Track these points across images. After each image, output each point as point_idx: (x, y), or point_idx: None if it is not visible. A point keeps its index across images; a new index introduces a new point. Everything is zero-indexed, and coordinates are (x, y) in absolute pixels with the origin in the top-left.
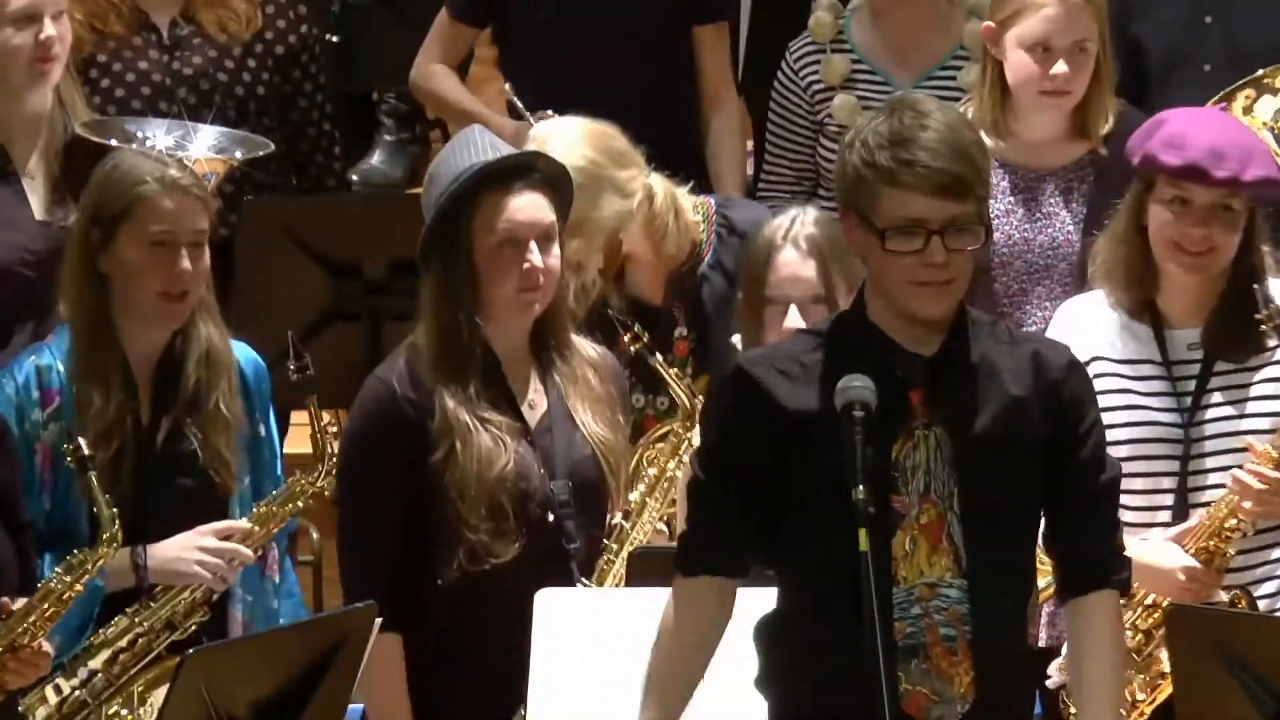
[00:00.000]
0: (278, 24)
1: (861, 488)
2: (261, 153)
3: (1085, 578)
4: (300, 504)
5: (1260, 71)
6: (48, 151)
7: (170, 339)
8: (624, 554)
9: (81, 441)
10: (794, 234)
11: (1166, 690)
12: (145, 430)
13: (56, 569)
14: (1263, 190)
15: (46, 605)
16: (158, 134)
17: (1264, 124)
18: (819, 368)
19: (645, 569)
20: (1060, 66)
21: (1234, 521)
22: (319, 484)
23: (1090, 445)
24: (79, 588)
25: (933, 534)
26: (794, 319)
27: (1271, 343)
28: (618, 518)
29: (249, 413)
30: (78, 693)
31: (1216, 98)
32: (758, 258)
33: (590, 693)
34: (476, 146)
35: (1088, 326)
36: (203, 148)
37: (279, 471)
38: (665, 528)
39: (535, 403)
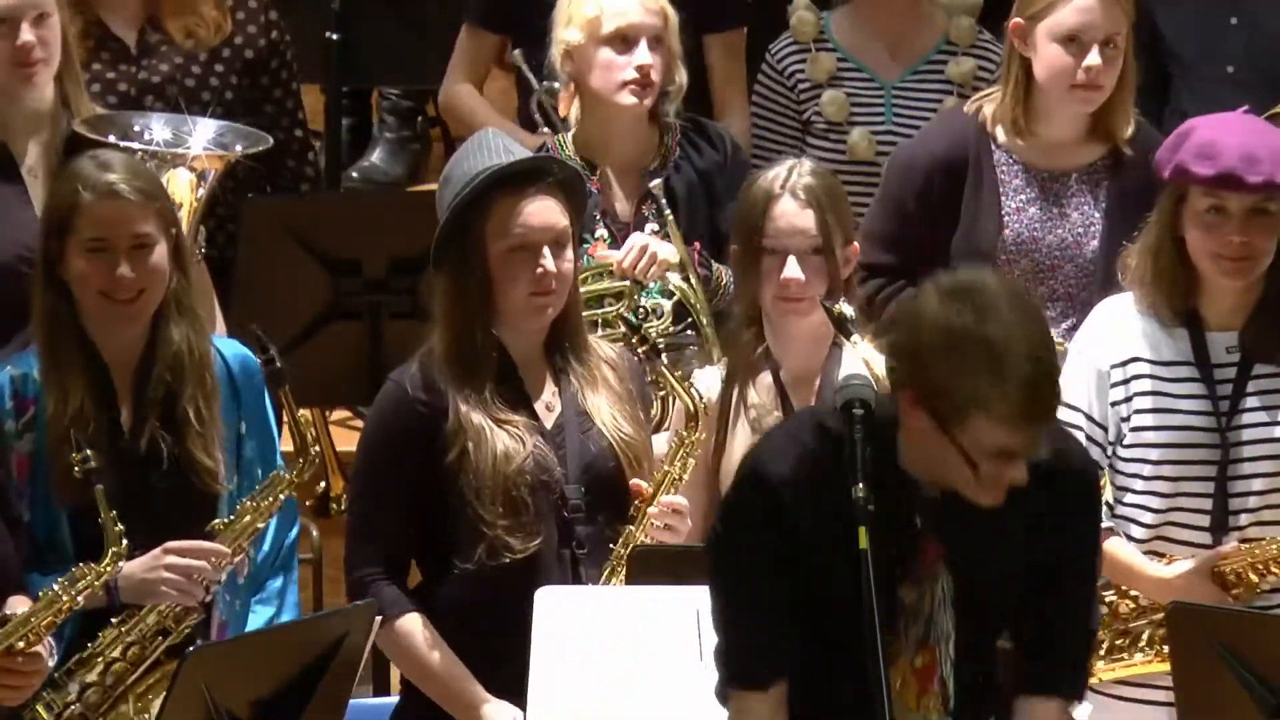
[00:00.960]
0: (248, 29)
1: (861, 485)
2: (262, 147)
3: (1041, 681)
4: (283, 497)
5: None
6: (49, 149)
7: (146, 343)
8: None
9: (90, 453)
10: (792, 184)
11: (1128, 668)
12: (128, 434)
13: (60, 580)
14: None
15: (45, 615)
16: (156, 128)
17: None
18: (836, 483)
19: (645, 568)
20: (1094, 58)
21: (1276, 568)
22: (301, 477)
23: (1083, 557)
24: (80, 600)
25: (925, 677)
26: (792, 269)
27: None
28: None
29: (235, 411)
30: (73, 706)
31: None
32: (754, 207)
33: (590, 692)
34: (490, 149)
35: (1124, 328)
36: (201, 142)
37: (278, 461)
38: None
39: (551, 405)
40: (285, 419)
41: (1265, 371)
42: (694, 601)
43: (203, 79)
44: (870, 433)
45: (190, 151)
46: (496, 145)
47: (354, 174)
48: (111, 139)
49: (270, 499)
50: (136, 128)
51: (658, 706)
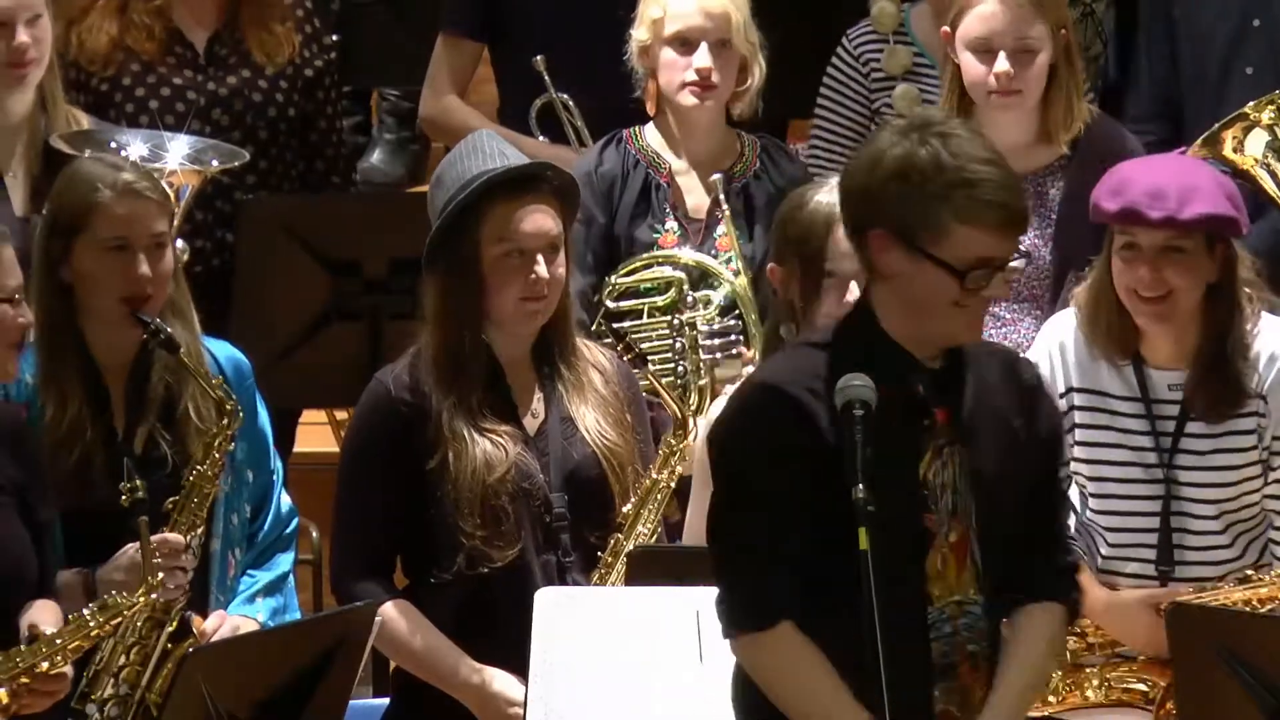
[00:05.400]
0: (310, 49)
1: (861, 486)
2: (237, 163)
3: (1044, 585)
4: (218, 455)
5: (1244, 107)
6: (29, 150)
7: (140, 345)
8: (619, 565)
9: (139, 482)
10: None
11: (1073, 702)
12: (121, 438)
13: (91, 605)
14: (1207, 227)
15: (73, 639)
16: (132, 144)
17: (1255, 160)
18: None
19: (645, 569)
20: (1002, 65)
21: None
22: (230, 428)
23: (1059, 458)
24: (109, 628)
25: (960, 552)
26: (855, 293)
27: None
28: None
29: None
30: None
31: (1201, 139)
32: (817, 230)
33: (590, 692)
34: (485, 153)
35: (1066, 355)
36: (177, 158)
37: (271, 465)
38: None
39: (537, 411)
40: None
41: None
42: (694, 601)
43: (269, 94)
44: (856, 320)
45: (167, 167)
46: (491, 148)
47: (354, 175)
48: (89, 154)
49: (208, 463)
50: (113, 145)
51: (658, 706)
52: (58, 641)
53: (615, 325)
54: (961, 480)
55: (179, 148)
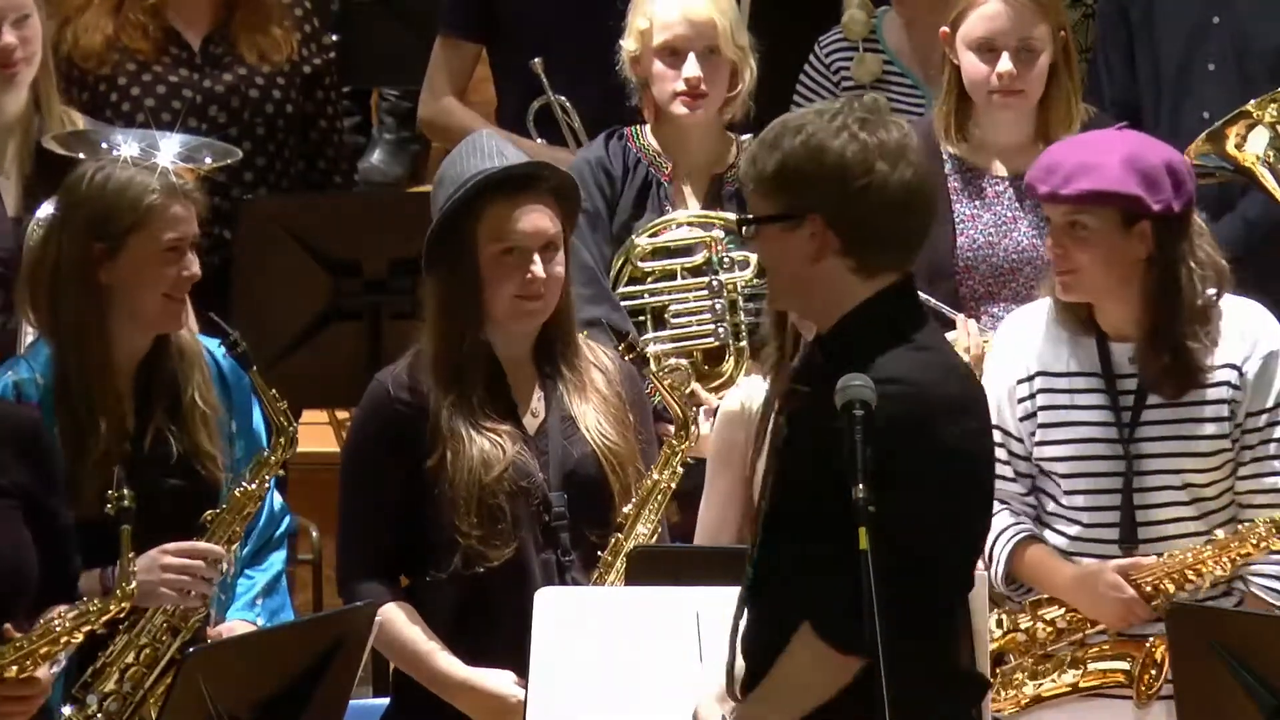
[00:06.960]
0: (309, 47)
1: (861, 486)
2: (230, 160)
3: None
4: (269, 480)
5: (1247, 105)
6: (22, 150)
7: (153, 343)
8: (619, 565)
9: (127, 492)
10: None
11: (1053, 689)
12: (131, 436)
13: (61, 608)
14: (1091, 203)
15: (42, 644)
16: (125, 143)
17: (1257, 158)
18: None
19: (645, 569)
20: (1005, 65)
21: (1194, 576)
22: (282, 456)
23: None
24: (79, 636)
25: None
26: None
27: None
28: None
29: (228, 406)
30: (96, 718)
31: (1204, 135)
32: None
33: (590, 693)
34: (484, 152)
35: (1030, 340)
36: (169, 156)
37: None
38: None
39: (537, 410)
40: (260, 398)
41: None
42: (694, 601)
43: (266, 90)
44: None
45: (159, 166)
46: (490, 148)
47: (355, 174)
48: (82, 156)
49: (258, 482)
50: (105, 145)
51: (658, 706)
52: (25, 646)
53: (615, 328)
54: (767, 444)
55: (171, 146)
